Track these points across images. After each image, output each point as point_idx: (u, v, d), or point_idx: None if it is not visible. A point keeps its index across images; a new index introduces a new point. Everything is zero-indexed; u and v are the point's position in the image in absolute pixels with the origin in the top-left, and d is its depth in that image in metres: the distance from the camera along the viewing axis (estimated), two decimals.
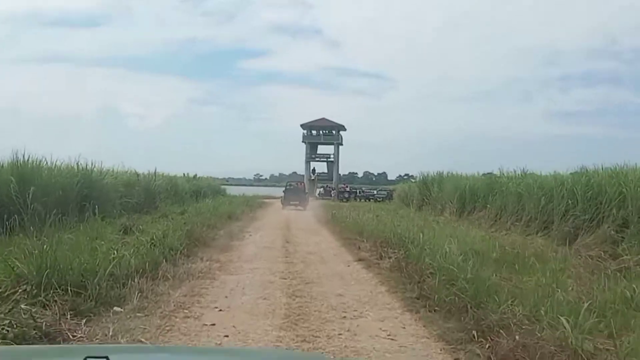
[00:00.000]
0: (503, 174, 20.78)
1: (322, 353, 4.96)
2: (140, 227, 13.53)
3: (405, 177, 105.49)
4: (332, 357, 4.51)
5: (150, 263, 7.79)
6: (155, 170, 26.97)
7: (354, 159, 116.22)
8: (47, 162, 15.34)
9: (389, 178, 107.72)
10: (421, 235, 10.33)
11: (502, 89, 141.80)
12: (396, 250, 9.94)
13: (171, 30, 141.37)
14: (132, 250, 8.08)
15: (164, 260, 8.30)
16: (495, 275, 7.52)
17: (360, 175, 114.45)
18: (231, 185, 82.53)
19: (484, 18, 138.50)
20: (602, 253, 11.32)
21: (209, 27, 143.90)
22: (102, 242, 8.41)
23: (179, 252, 9.41)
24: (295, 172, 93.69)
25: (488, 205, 19.59)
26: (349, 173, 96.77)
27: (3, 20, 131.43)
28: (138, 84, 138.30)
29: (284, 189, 41.89)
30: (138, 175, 24.55)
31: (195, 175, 40.41)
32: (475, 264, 7.49)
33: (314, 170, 70.97)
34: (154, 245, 8.98)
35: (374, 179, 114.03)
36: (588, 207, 14.01)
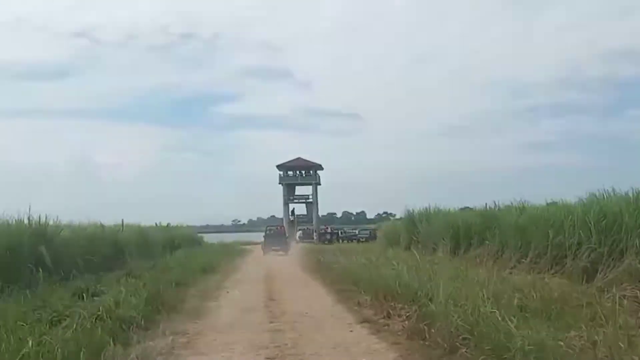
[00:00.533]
0: (499, 207, 19.28)
1: None
2: (99, 289, 11.62)
3: (384, 214, 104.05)
4: None
5: (89, 349, 5.84)
6: (123, 221, 25.06)
7: (332, 199, 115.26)
8: None
9: (368, 217, 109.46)
10: (429, 285, 8.54)
11: (473, 122, 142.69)
12: (406, 306, 8.18)
13: (142, 78, 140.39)
14: (66, 332, 6.16)
15: (111, 341, 6.37)
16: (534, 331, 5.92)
17: (339, 215, 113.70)
18: (209, 232, 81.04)
19: (452, 52, 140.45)
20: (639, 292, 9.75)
21: (180, 74, 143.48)
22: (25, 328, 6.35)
23: (133, 325, 7.48)
24: (273, 216, 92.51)
25: (487, 242, 18.02)
26: (328, 213, 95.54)
27: None
28: (110, 134, 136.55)
29: (263, 234, 40.13)
30: (103, 227, 22.61)
31: (168, 224, 38.40)
32: (515, 320, 5.77)
33: (293, 211, 69.17)
34: (100, 320, 7.06)
35: (353, 218, 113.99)
36: (604, 239, 12.53)
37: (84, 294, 10.68)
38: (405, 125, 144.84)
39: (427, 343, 6.42)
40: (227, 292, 12.86)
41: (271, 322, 8.64)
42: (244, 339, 7.39)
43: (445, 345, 5.98)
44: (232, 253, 32.23)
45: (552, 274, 13.71)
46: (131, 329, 7.14)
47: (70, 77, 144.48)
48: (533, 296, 9.27)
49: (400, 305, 8.51)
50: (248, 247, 48.47)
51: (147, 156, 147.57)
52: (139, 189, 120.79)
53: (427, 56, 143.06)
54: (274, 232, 39.83)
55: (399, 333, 7.23)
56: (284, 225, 53.16)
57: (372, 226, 69.70)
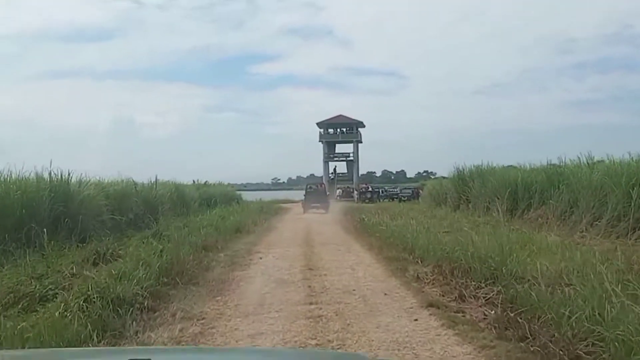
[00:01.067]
0: (564, 163, 17.16)
1: (365, 353, 4.68)
2: (118, 252, 10.34)
3: (424, 174, 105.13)
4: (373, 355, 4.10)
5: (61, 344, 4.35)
6: (157, 178, 23.92)
7: (372, 157, 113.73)
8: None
9: (407, 176, 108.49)
10: (510, 257, 6.73)
11: (516, 81, 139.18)
12: (483, 285, 6.47)
13: (182, 38, 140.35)
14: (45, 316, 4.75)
15: (99, 329, 4.92)
16: None
17: (378, 174, 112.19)
18: (249, 190, 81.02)
19: (493, 11, 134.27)
20: None
21: (219, 34, 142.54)
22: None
23: (134, 307, 5.93)
24: (312, 174, 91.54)
25: (551, 201, 16.05)
26: (367, 172, 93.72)
27: (15, 38, 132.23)
28: (151, 94, 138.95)
29: (304, 192, 39.46)
30: (136, 185, 21.52)
31: (206, 182, 37.47)
32: None
33: (334, 169, 67.63)
34: (91, 301, 5.61)
35: (392, 177, 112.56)
36: None
37: (98, 259, 9.38)
38: (446, 84, 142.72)
39: (531, 347, 4.55)
40: (260, 257, 11.40)
41: (310, 303, 6.92)
42: (275, 329, 5.73)
43: (562, 352, 4.19)
44: (270, 211, 30.89)
45: (636, 239, 11.82)
46: (131, 312, 5.68)
47: (113, 39, 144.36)
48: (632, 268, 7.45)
49: (474, 284, 6.75)
50: (287, 205, 47.28)
51: (187, 116, 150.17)
52: (179, 148, 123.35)
53: (469, 13, 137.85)
54: (315, 189, 39.00)
55: (483, 326, 5.45)
56: (325, 183, 51.78)
57: (414, 185, 67.66)
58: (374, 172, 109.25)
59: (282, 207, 42.69)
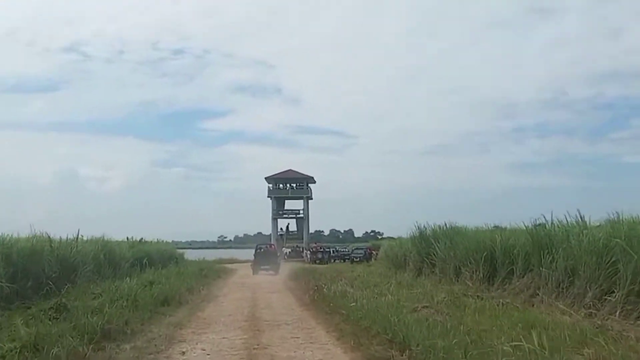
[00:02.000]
0: (554, 225, 14.87)
1: None
2: None
3: (372, 233, 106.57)
4: None
5: None
6: (79, 233, 20.45)
7: (320, 216, 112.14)
8: None
9: (355, 235, 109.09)
10: None
11: (460, 142, 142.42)
12: None
13: (132, 92, 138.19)
14: None
15: None
16: None
17: (326, 233, 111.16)
18: (194, 248, 77.93)
19: (435, 74, 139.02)
20: None
21: (169, 88, 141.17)
22: None
23: None
24: (260, 232, 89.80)
25: (542, 269, 13.65)
26: (315, 231, 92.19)
27: None
28: (97, 147, 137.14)
29: (253, 252, 38.57)
30: (51, 241, 18.14)
31: (142, 239, 33.77)
32: None
33: (287, 227, 64.44)
34: None
35: (340, 236, 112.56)
36: None
37: None
38: (393, 144, 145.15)
39: None
40: (183, 353, 8.15)
41: None
42: None
43: None
44: (212, 274, 27.54)
45: None
46: None
47: (59, 90, 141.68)
48: None
49: None
50: (232, 266, 43.84)
51: (134, 170, 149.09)
52: (125, 203, 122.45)
53: (414, 74, 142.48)
54: (264, 250, 38.41)
55: None
56: (274, 243, 49.08)
57: (364, 245, 65.24)
58: (322, 231, 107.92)
59: (226, 268, 39.26)
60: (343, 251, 60.83)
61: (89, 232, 21.88)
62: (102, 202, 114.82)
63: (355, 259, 52.01)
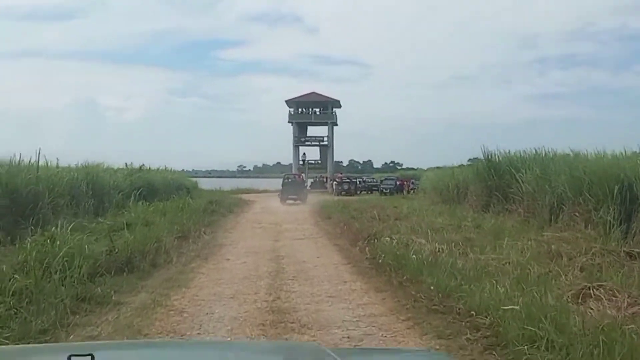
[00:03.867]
0: None
1: (317, 343, 4.59)
2: None
3: (391, 164, 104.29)
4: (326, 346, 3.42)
5: None
6: (39, 154, 15.31)
7: (338, 146, 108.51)
8: None
9: (374, 166, 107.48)
10: None
11: (481, 74, 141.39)
12: None
13: (147, 21, 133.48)
14: None
15: None
16: None
17: (345, 163, 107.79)
18: (213, 177, 74.16)
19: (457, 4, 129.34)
20: None
21: (186, 18, 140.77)
22: None
23: None
24: (279, 163, 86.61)
25: None
26: (334, 161, 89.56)
27: None
28: (115, 77, 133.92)
29: (281, 182, 37.60)
30: None
31: (142, 166, 28.57)
32: None
33: (304, 156, 58.71)
34: None
35: (359, 167, 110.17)
36: None
37: None
38: (412, 75, 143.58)
39: None
40: None
41: None
42: None
43: None
44: (222, 208, 22.48)
45: None
46: None
47: (75, 19, 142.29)
48: None
49: None
50: (249, 196, 39.10)
51: (151, 100, 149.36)
52: (142, 132, 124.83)
53: (435, 7, 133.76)
54: (292, 180, 37.67)
55: None
56: (303, 174, 45.81)
57: (392, 175, 59.86)
58: (341, 162, 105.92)
59: (242, 199, 34.38)
60: (370, 182, 55.67)
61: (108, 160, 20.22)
62: (120, 130, 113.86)
63: (384, 191, 46.90)
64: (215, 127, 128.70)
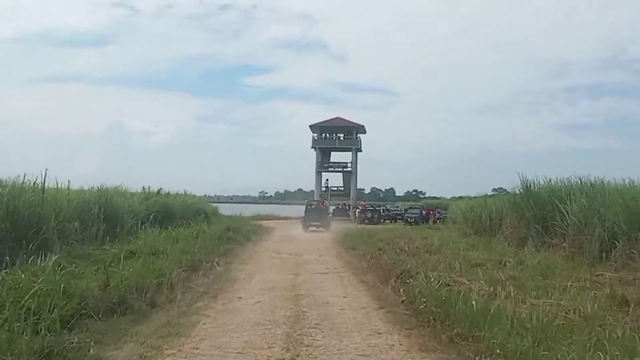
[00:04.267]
0: None
1: None
2: None
3: (414, 192, 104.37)
4: None
5: None
6: (45, 174, 14.32)
7: (361, 173, 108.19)
8: None
9: (396, 194, 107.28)
10: None
11: (510, 101, 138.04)
12: None
13: (178, 47, 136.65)
14: None
15: None
16: None
17: (367, 191, 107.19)
18: (235, 203, 74.73)
19: (489, 28, 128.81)
20: None
21: (215, 44, 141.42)
22: None
23: None
24: (300, 189, 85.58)
25: None
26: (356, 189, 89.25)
27: (15, 40, 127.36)
28: (145, 102, 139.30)
29: (304, 209, 37.68)
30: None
31: (160, 190, 27.69)
32: None
33: (327, 182, 57.35)
34: None
35: (381, 195, 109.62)
36: None
37: None
38: (437, 102, 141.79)
39: None
40: None
41: None
42: None
43: None
44: (240, 235, 21.33)
45: None
46: None
47: (109, 45, 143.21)
48: None
49: None
50: (268, 223, 37.95)
51: (179, 125, 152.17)
52: (169, 157, 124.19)
53: (465, 30, 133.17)
54: (316, 207, 37.44)
55: None
56: (326, 201, 45.30)
57: (417, 204, 58.28)
58: (363, 189, 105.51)
59: (262, 226, 33.20)
60: (394, 210, 54.13)
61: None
62: (148, 155, 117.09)
63: (409, 220, 45.39)
64: (240, 153, 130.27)
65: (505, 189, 19.42)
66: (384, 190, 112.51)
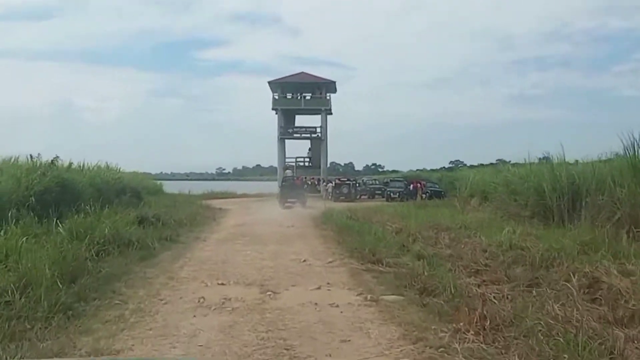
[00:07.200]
0: None
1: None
2: None
3: (372, 166, 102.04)
4: None
5: None
6: None
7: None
8: None
9: (356, 168, 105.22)
10: None
11: (460, 75, 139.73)
12: None
13: (127, 21, 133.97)
14: None
15: None
16: None
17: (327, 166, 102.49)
18: (191, 180, 70.63)
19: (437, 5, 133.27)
20: None
21: (165, 17, 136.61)
22: None
23: None
24: (259, 165, 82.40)
25: None
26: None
27: None
28: (93, 77, 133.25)
29: (279, 184, 36.95)
30: None
31: (55, 160, 18.98)
32: None
33: (290, 163, 47.45)
34: None
35: (340, 169, 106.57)
36: None
37: None
38: (391, 77, 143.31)
39: None
40: None
41: None
42: None
43: None
44: (176, 217, 13.40)
45: None
46: None
47: (52, 19, 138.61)
48: None
49: None
50: (221, 203, 30.24)
51: (130, 101, 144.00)
52: (121, 134, 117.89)
53: (417, 7, 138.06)
54: (291, 183, 35.50)
55: None
56: (301, 176, 40.30)
57: (399, 176, 50.64)
58: None
59: (211, 207, 25.41)
60: (372, 184, 46.29)
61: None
62: (98, 132, 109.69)
63: (392, 195, 37.89)
64: (194, 129, 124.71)
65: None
66: (342, 164, 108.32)
